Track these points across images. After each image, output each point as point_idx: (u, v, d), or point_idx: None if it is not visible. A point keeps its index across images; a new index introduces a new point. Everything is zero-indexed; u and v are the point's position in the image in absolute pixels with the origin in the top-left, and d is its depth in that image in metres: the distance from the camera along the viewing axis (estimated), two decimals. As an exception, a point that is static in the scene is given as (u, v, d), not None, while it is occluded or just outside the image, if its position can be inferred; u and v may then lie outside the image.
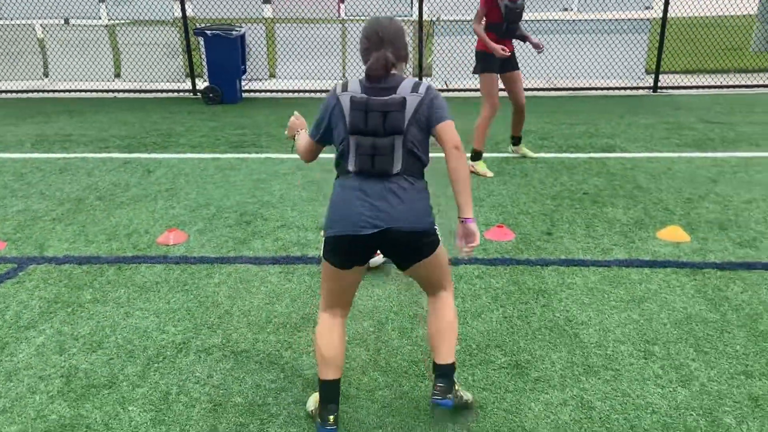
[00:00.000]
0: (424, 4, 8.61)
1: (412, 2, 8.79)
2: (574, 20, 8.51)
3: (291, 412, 2.51)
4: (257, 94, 9.09)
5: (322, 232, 2.50)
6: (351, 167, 2.30)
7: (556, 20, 8.57)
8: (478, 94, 8.83)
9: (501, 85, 5.36)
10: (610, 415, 2.45)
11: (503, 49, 5.04)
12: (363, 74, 2.34)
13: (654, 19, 8.62)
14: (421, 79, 8.85)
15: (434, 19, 8.83)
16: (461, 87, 9.06)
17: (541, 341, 2.95)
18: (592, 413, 2.47)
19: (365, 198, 2.25)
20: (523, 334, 3.01)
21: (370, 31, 2.35)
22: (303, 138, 2.55)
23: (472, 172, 5.23)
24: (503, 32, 5.14)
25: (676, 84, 8.87)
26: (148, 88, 9.25)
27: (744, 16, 11.49)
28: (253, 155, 6.05)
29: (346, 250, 2.29)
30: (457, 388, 2.41)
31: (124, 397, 2.61)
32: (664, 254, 3.81)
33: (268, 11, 9.52)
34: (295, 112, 2.69)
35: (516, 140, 5.76)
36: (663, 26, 8.39)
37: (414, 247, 2.31)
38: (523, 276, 3.59)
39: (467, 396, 2.47)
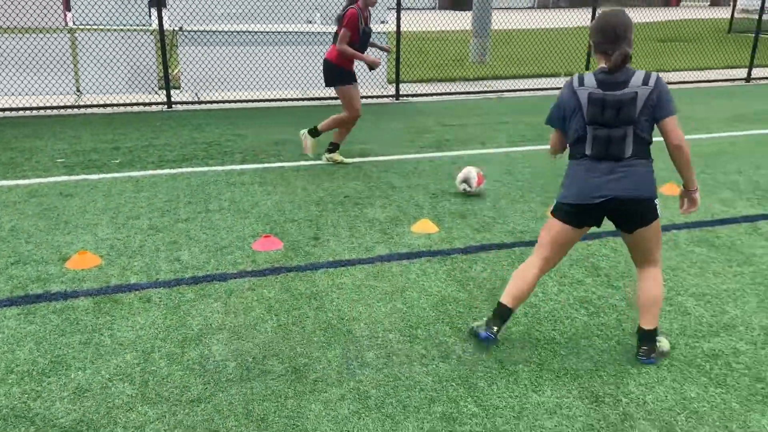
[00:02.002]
0: (164, 14, 8.21)
1: (150, 11, 8.32)
2: (318, 32, 8.88)
3: (46, 471, 2.19)
4: (-30, 114, 7.78)
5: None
6: (588, 152, 2.71)
7: (301, 32, 8.85)
8: (227, 106, 8.75)
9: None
10: (384, 400, 2.60)
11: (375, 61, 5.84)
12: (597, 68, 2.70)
13: (389, 32, 9.40)
14: (168, 92, 8.43)
15: (177, 29, 8.48)
16: (212, 99, 8.85)
17: (317, 343, 3.01)
18: (368, 402, 2.59)
19: (598, 175, 2.69)
20: (299, 339, 3.04)
21: (605, 24, 2.65)
22: (553, 136, 2.90)
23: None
24: (357, 51, 5.81)
25: (415, 92, 9.79)
26: None
27: (462, 31, 13.17)
28: (-29, 184, 5.15)
29: (581, 214, 2.77)
30: (657, 345, 2.89)
31: None
32: (419, 246, 4.17)
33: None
34: None
35: (335, 147, 6.11)
36: (398, 40, 9.20)
37: (636, 212, 2.72)
38: (294, 282, 3.62)
39: (665, 348, 2.93)
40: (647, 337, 2.87)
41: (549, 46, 12.12)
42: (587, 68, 10.30)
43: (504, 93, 10.10)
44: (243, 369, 2.79)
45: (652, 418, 2.50)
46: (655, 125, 2.68)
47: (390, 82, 9.68)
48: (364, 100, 9.55)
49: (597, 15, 2.69)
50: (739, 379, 2.75)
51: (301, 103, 9.18)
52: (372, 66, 5.81)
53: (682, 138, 2.65)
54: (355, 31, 5.64)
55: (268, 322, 3.18)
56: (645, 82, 2.62)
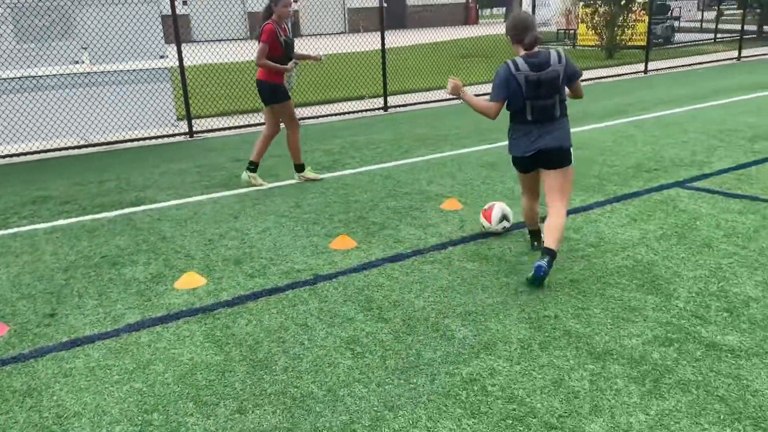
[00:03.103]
0: None
1: None
2: (89, 73, 8.05)
3: None
4: None
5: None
6: (530, 118, 3.67)
7: (70, 74, 7.96)
8: (28, 158, 7.60)
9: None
10: None
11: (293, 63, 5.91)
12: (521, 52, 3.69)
13: (172, 67, 8.79)
14: None
15: None
16: (7, 153, 7.65)
17: (17, 458, 2.43)
18: None
19: (533, 134, 3.70)
20: (-7, 458, 2.44)
21: (517, 21, 3.66)
22: (475, 99, 3.77)
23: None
24: (283, 64, 5.85)
25: (210, 127, 9.23)
26: None
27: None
28: None
29: (524, 164, 3.83)
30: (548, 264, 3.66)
31: None
32: (179, 305, 3.70)
33: None
34: (451, 78, 3.84)
35: (300, 167, 6.30)
36: (182, 73, 8.63)
37: (559, 158, 3.70)
38: (9, 378, 2.98)
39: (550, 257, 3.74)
40: (549, 253, 3.62)
41: (355, 69, 12.22)
42: (385, 88, 10.44)
43: (307, 120, 9.90)
44: None
45: (400, 474, 2.27)
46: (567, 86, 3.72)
47: (180, 119, 9.06)
48: (150, 142, 8.87)
49: (508, 18, 3.69)
50: (493, 404, 2.64)
51: (78, 151, 8.24)
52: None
53: (582, 91, 3.86)
54: (275, 44, 5.72)
55: (-44, 442, 2.54)
56: (559, 61, 3.61)
